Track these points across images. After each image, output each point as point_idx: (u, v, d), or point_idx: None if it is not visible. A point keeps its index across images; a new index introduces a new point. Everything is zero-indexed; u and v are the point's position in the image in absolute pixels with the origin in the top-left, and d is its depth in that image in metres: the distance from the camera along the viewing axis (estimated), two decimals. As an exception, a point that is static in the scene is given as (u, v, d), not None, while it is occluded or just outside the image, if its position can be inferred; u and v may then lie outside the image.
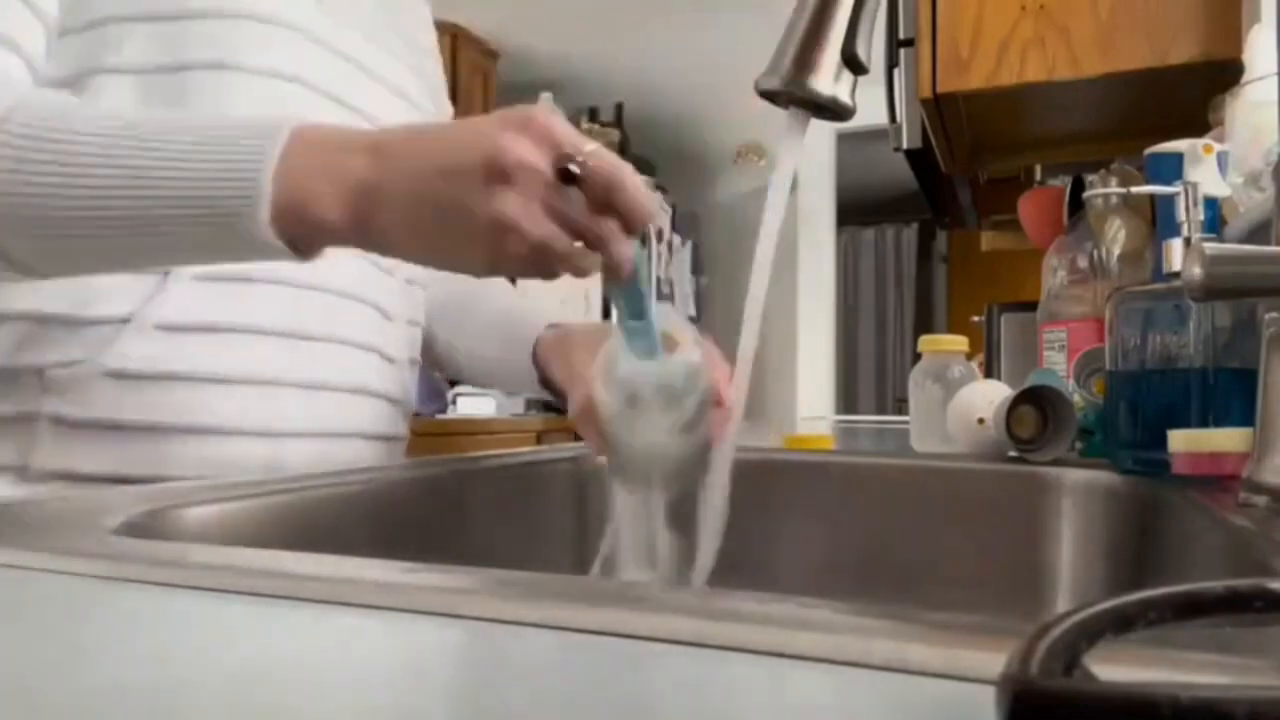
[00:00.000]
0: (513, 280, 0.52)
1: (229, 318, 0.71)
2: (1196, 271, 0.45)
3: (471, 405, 3.21)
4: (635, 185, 0.50)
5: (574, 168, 0.48)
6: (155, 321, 0.69)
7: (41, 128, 0.54)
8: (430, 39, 0.96)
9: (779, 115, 0.54)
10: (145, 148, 0.53)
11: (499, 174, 0.47)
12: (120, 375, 0.68)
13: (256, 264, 0.68)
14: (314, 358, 0.76)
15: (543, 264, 0.50)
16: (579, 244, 0.50)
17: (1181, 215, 0.69)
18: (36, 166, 0.53)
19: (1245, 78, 0.89)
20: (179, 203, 0.52)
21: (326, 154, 0.52)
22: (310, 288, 0.74)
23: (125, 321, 0.69)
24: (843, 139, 3.86)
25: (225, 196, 0.51)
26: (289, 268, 0.71)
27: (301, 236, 0.54)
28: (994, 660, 0.17)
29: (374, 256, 0.80)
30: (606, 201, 0.50)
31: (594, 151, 0.49)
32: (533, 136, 0.48)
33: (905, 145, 1.38)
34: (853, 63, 0.53)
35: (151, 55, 0.68)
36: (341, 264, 0.76)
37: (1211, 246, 0.46)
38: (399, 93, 0.84)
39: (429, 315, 0.93)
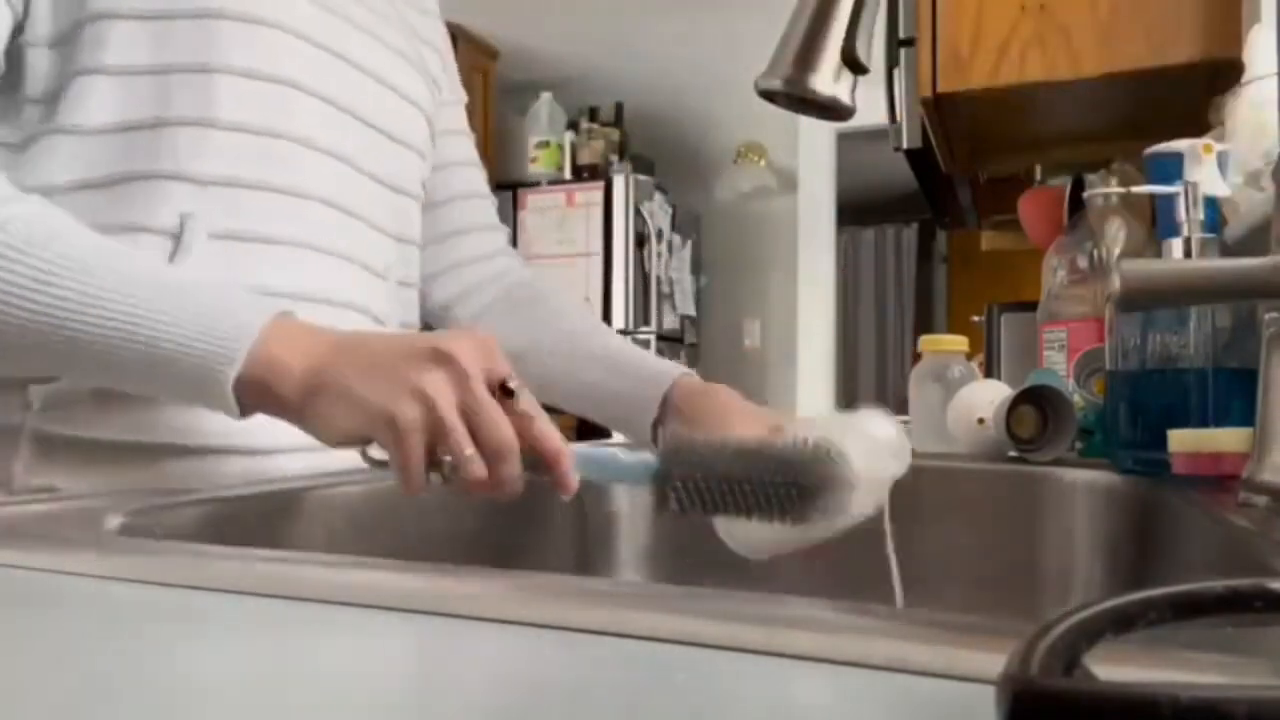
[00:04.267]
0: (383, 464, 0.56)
1: None
2: (1116, 285, 0.51)
3: (471, 405, 3.20)
4: (547, 422, 0.55)
5: (512, 384, 0.53)
6: None
7: (34, 247, 0.55)
8: (433, 30, 0.94)
9: (779, 115, 0.54)
10: (133, 288, 0.55)
11: (440, 359, 0.53)
12: (102, 393, 0.66)
13: (243, 276, 0.68)
14: None
15: (433, 437, 0.52)
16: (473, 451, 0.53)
17: (1181, 215, 0.69)
18: (18, 289, 0.55)
19: (1245, 78, 0.89)
20: (157, 346, 0.54)
21: (300, 337, 0.56)
22: (301, 298, 0.72)
23: None
24: (843, 139, 3.86)
25: (203, 351, 0.54)
26: (277, 280, 0.71)
27: (252, 402, 0.56)
28: (994, 660, 0.17)
29: (367, 260, 0.79)
30: (521, 427, 0.54)
31: (523, 385, 0.55)
32: (477, 347, 0.54)
33: (905, 145, 1.38)
34: (853, 63, 0.53)
35: (134, 56, 0.67)
36: (333, 271, 0.75)
37: (1130, 264, 0.52)
38: (395, 90, 0.83)
39: (482, 313, 0.93)
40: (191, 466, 0.68)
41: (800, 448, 0.51)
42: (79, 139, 0.67)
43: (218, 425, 0.69)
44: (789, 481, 0.50)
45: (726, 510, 0.51)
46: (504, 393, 0.53)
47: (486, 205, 0.99)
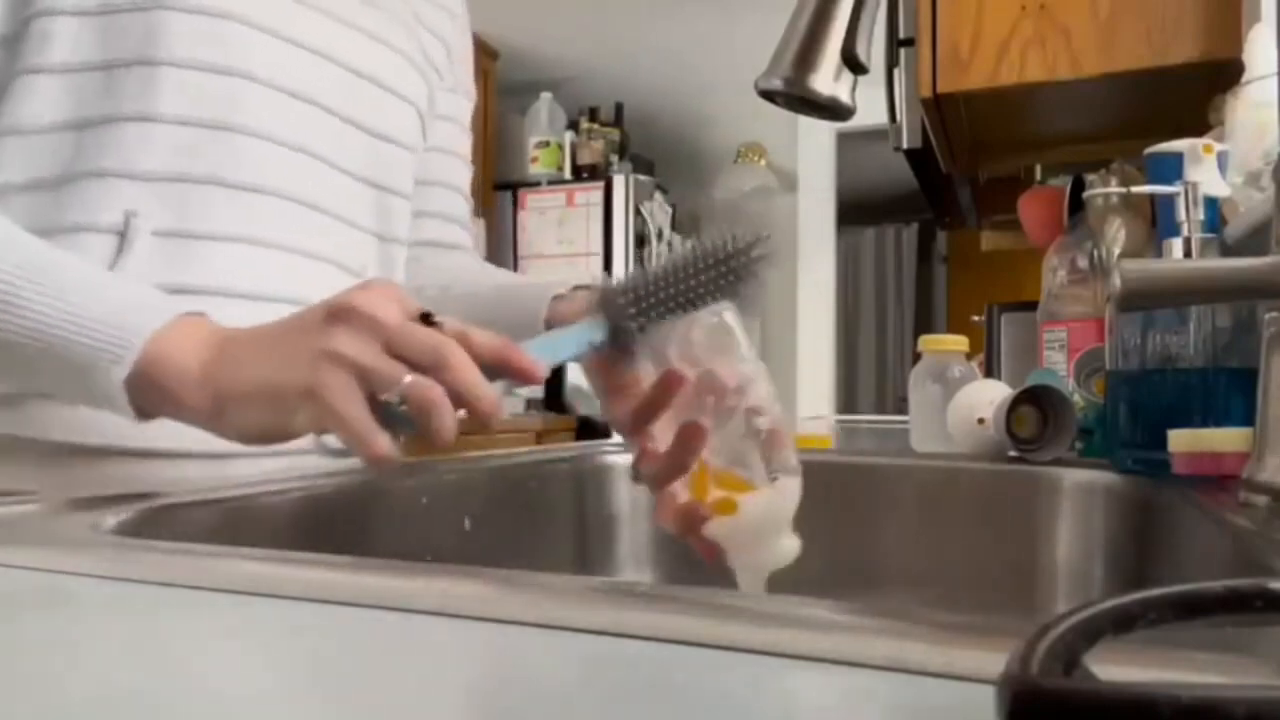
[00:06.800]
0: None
1: None
2: (1116, 285, 0.51)
3: (471, 405, 3.19)
4: (481, 331, 0.50)
5: (434, 317, 0.49)
6: None
7: None
8: (441, 20, 0.91)
9: (779, 115, 0.54)
10: (36, 288, 0.52)
11: (338, 315, 0.48)
12: (45, 393, 0.64)
13: (193, 275, 0.67)
14: None
15: (371, 386, 0.47)
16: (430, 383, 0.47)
17: (1181, 215, 0.69)
18: None
19: (1245, 78, 0.89)
20: (47, 341, 0.52)
21: (195, 335, 0.53)
22: (261, 298, 0.69)
23: None
24: (843, 139, 3.86)
25: (92, 346, 0.51)
26: (232, 279, 0.68)
27: (149, 401, 0.53)
28: (994, 660, 0.17)
29: (340, 258, 0.76)
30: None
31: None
32: (378, 291, 0.49)
33: (905, 145, 1.38)
34: (853, 63, 0.53)
35: (78, 53, 0.65)
36: (296, 269, 0.72)
37: (1130, 264, 0.52)
38: (374, 81, 0.79)
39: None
40: (137, 470, 0.66)
41: (726, 236, 0.51)
42: (21, 139, 0.65)
43: (164, 428, 0.67)
44: (724, 261, 0.50)
45: (674, 311, 0.51)
46: (425, 322, 0.49)
47: (459, 199, 0.96)
